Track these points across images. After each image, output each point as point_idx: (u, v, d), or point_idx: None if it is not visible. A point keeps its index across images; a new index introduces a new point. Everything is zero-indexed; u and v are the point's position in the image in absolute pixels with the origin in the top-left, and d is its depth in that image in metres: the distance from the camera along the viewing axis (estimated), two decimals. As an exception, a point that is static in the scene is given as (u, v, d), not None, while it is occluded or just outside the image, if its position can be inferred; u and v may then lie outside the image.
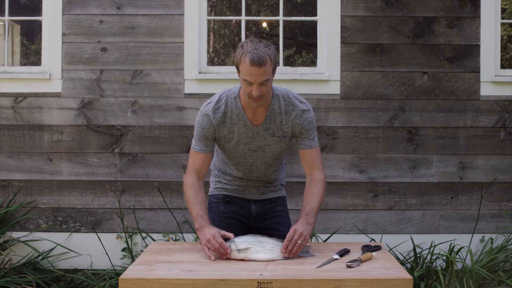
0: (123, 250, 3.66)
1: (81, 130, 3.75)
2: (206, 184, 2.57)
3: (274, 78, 2.37)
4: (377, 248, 2.31)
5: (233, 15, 7.94)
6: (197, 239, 3.45)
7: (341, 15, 3.73)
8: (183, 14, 3.73)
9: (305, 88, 3.69)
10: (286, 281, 1.88)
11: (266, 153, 2.45)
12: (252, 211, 2.57)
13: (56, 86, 3.74)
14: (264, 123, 2.39)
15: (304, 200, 2.39)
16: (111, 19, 3.75)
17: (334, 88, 3.72)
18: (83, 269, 3.63)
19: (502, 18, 4.14)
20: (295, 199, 3.69)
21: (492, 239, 3.63)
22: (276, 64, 2.30)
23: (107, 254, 3.53)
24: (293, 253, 2.17)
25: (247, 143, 2.42)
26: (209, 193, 2.64)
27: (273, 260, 2.13)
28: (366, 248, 2.28)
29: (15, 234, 3.70)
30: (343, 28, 3.73)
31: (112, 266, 3.52)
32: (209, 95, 3.70)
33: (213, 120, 2.38)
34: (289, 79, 3.68)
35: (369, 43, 3.74)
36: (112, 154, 3.75)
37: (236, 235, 2.32)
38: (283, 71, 3.75)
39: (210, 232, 2.22)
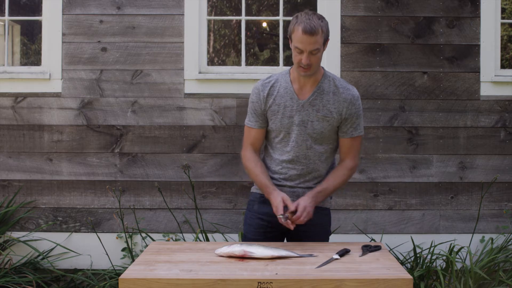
0: (123, 250, 3.66)
1: (81, 130, 3.75)
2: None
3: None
4: (377, 248, 2.31)
5: (233, 15, 7.94)
6: (197, 239, 3.45)
7: (341, 15, 3.73)
8: (183, 14, 3.73)
9: (305, 88, 3.68)
10: (286, 281, 1.88)
11: (308, 128, 2.45)
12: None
13: (56, 86, 3.74)
14: (310, 98, 2.44)
15: (325, 179, 2.46)
16: (111, 19, 3.75)
17: (334, 88, 3.72)
18: (83, 269, 3.63)
19: (502, 18, 4.15)
20: (295, 199, 3.70)
21: (492, 239, 3.63)
22: (327, 38, 2.37)
23: (107, 254, 3.53)
24: (294, 224, 2.29)
25: (291, 116, 2.45)
26: (251, 190, 2.66)
27: (273, 259, 2.13)
28: (366, 248, 2.28)
29: (15, 234, 3.70)
30: (343, 28, 3.73)
31: (112, 266, 3.52)
32: (209, 95, 3.73)
33: (261, 94, 2.48)
34: (289, 79, 3.68)
35: (369, 43, 3.74)
36: (112, 154, 3.75)
37: (263, 238, 2.43)
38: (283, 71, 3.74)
39: (275, 203, 2.36)
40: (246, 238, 2.56)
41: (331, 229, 2.70)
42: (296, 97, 2.45)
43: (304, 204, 2.33)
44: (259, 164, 2.50)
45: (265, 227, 2.52)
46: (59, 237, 3.73)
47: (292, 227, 2.32)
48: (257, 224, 2.52)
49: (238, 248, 2.15)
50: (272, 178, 2.52)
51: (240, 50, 3.92)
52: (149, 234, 3.63)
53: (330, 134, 2.48)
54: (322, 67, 2.52)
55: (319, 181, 2.52)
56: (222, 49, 8.64)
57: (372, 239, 3.54)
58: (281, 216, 2.31)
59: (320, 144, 2.49)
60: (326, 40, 2.37)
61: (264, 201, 2.54)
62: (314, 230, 2.49)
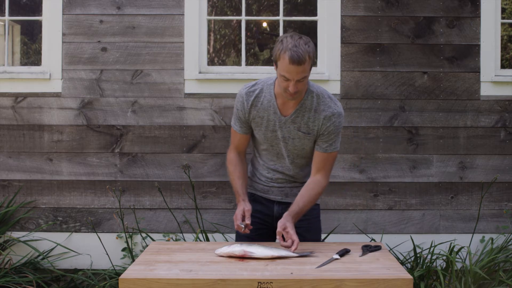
0: (123, 250, 3.66)
1: (81, 130, 3.75)
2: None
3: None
4: (377, 248, 2.31)
5: (233, 15, 7.94)
6: (197, 239, 3.45)
7: (341, 15, 3.73)
8: (183, 14, 3.73)
9: (305, 88, 3.68)
10: (286, 281, 1.88)
11: (289, 145, 2.46)
12: (274, 212, 2.57)
13: (56, 86, 3.74)
14: (292, 115, 2.42)
15: (300, 196, 2.42)
16: (111, 19, 3.75)
17: (334, 88, 3.72)
18: (83, 269, 3.63)
19: (502, 18, 4.14)
20: (295, 199, 3.70)
21: (492, 239, 3.63)
22: (314, 61, 2.32)
23: (107, 254, 3.53)
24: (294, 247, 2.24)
25: (275, 130, 2.45)
26: None
27: (273, 259, 2.13)
28: (366, 248, 2.28)
29: (15, 234, 3.70)
30: (343, 28, 3.73)
31: (112, 266, 3.52)
32: (209, 95, 3.73)
33: (245, 103, 2.46)
34: (289, 79, 3.67)
35: (369, 43, 3.74)
36: (112, 154, 3.75)
37: (256, 234, 2.45)
38: (283, 71, 3.75)
39: (236, 211, 2.42)
40: (239, 236, 2.57)
41: (321, 227, 2.71)
42: (279, 113, 2.43)
43: (283, 222, 2.31)
44: (238, 168, 2.53)
45: (257, 224, 2.54)
46: (59, 237, 3.73)
47: (248, 231, 2.37)
48: (251, 222, 2.52)
49: (238, 248, 2.15)
50: (260, 180, 2.58)
51: (240, 50, 3.92)
52: (149, 234, 3.63)
53: (310, 149, 2.50)
54: (308, 81, 2.47)
55: (305, 180, 2.55)
56: (222, 49, 8.64)
57: (372, 239, 3.54)
58: (239, 223, 2.37)
59: (303, 158, 2.52)
60: (312, 65, 2.31)
61: (255, 199, 2.57)
62: (303, 224, 2.51)
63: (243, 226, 2.35)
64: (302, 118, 2.42)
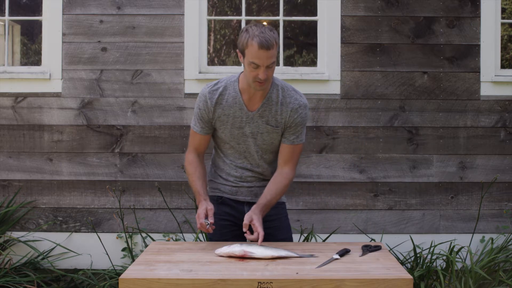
0: (123, 250, 3.66)
1: (81, 130, 3.75)
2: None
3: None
4: (377, 248, 2.31)
5: (233, 15, 7.94)
6: (197, 239, 3.45)
7: (341, 15, 3.73)
8: (183, 14, 3.73)
9: (305, 88, 3.67)
10: (286, 281, 1.87)
11: (258, 140, 2.45)
12: (244, 213, 2.51)
13: (56, 86, 3.74)
14: (259, 110, 2.40)
15: (267, 189, 2.42)
16: (111, 19, 3.75)
17: (334, 88, 3.72)
18: (83, 269, 3.63)
19: (502, 18, 4.14)
20: (295, 199, 3.70)
21: (492, 239, 3.63)
22: (278, 49, 2.33)
23: (107, 254, 3.53)
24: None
25: (241, 127, 2.43)
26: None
27: (273, 258, 2.13)
28: (366, 248, 2.28)
29: (15, 234, 3.70)
30: (343, 28, 3.73)
31: (112, 266, 3.52)
32: (209, 95, 3.73)
33: (208, 101, 2.42)
34: (290, 79, 3.68)
35: (369, 43, 3.74)
36: (112, 154, 3.75)
37: (231, 237, 2.43)
38: (283, 71, 3.75)
39: (198, 210, 2.37)
40: (213, 240, 2.53)
41: (289, 221, 2.69)
42: (246, 109, 2.41)
43: (249, 215, 2.31)
44: (198, 169, 2.50)
45: (229, 227, 2.52)
46: (59, 237, 3.73)
47: (211, 230, 2.34)
48: (221, 225, 2.50)
49: (238, 248, 2.15)
50: (227, 180, 2.54)
51: (240, 50, 3.91)
52: (149, 234, 3.63)
53: (278, 142, 2.49)
54: None
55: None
56: (222, 49, 8.64)
57: (372, 239, 3.54)
58: (203, 221, 2.33)
59: (271, 152, 2.51)
60: (278, 52, 2.34)
61: (222, 201, 2.55)
62: (275, 224, 2.51)
63: (207, 223, 2.33)
64: (270, 112, 2.41)
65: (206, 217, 2.35)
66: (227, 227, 2.51)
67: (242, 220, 2.46)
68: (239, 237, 2.48)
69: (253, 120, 2.42)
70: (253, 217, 2.30)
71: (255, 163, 2.51)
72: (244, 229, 2.29)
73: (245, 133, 2.44)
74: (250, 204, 2.52)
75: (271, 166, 2.55)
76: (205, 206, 2.37)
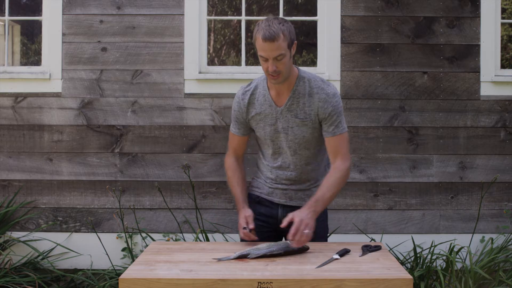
0: (123, 250, 3.66)
1: (81, 130, 3.75)
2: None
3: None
4: (377, 248, 2.31)
5: (233, 15, 7.94)
6: (197, 239, 3.45)
7: (341, 15, 3.73)
8: (183, 14, 3.73)
9: (305, 88, 3.69)
10: (286, 281, 1.88)
11: (289, 135, 2.44)
12: (278, 215, 2.53)
13: (56, 86, 3.74)
14: (287, 103, 2.41)
15: (320, 185, 2.39)
16: (111, 19, 3.75)
17: (334, 88, 3.72)
18: (83, 269, 3.63)
19: (502, 18, 4.14)
20: (295, 199, 3.70)
21: (492, 239, 3.63)
22: (293, 40, 2.32)
23: (107, 254, 3.53)
24: (301, 243, 2.20)
25: (272, 123, 2.45)
26: (248, 191, 2.65)
27: (273, 256, 2.13)
28: (366, 248, 2.28)
29: (15, 234, 3.70)
30: (343, 28, 3.73)
31: (112, 266, 3.52)
32: (209, 95, 3.73)
33: (241, 103, 2.49)
34: (289, 79, 3.67)
35: (369, 43, 3.74)
36: (112, 154, 3.75)
37: (262, 237, 2.40)
38: (283, 71, 3.75)
39: (239, 220, 2.41)
40: (244, 240, 2.54)
41: (328, 227, 2.69)
42: (274, 105, 2.43)
43: (300, 217, 2.23)
44: (237, 174, 2.54)
45: (262, 227, 2.52)
46: (59, 237, 3.73)
47: (255, 237, 2.34)
48: (256, 226, 2.51)
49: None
50: (265, 182, 2.56)
51: (240, 50, 3.92)
52: (149, 234, 3.63)
53: (313, 137, 2.45)
54: (298, 68, 2.48)
55: (311, 183, 2.53)
56: (222, 49, 8.64)
57: (372, 239, 3.54)
58: (245, 230, 2.35)
59: (306, 149, 2.48)
60: (291, 43, 2.32)
61: (260, 201, 2.55)
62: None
63: (248, 229, 2.34)
64: (298, 105, 2.41)
65: (248, 225, 2.36)
66: (260, 227, 2.50)
67: (275, 220, 2.50)
68: (269, 238, 2.48)
69: (283, 115, 2.43)
70: (295, 215, 2.25)
71: (288, 160, 2.49)
72: (282, 225, 2.27)
73: (278, 129, 2.45)
74: (285, 206, 2.53)
75: (309, 165, 2.50)
76: (244, 214, 2.40)
